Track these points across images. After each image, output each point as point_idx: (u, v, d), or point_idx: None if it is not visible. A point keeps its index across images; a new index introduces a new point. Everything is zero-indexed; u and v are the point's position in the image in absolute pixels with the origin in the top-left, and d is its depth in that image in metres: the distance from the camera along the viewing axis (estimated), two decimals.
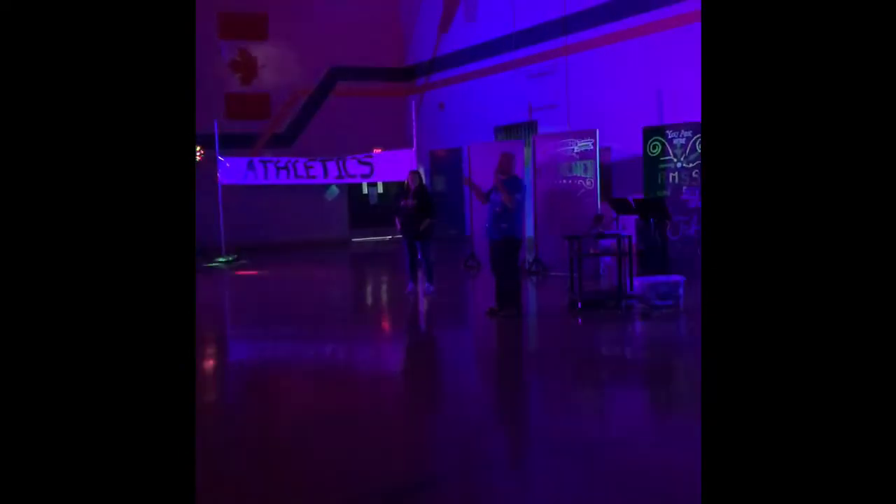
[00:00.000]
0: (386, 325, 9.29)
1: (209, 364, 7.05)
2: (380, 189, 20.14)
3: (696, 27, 11.78)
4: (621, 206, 9.60)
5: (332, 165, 15.26)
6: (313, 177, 15.53)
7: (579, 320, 8.28)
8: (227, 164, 15.59)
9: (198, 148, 15.53)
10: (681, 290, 8.42)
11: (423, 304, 9.85)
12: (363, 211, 20.24)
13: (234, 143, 17.46)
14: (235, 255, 15.78)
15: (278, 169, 15.56)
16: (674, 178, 10.89)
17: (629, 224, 10.96)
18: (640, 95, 13.03)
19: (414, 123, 14.60)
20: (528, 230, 11.91)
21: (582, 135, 11.53)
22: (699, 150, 10.56)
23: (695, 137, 10.63)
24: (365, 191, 20.14)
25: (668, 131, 11.03)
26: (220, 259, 15.35)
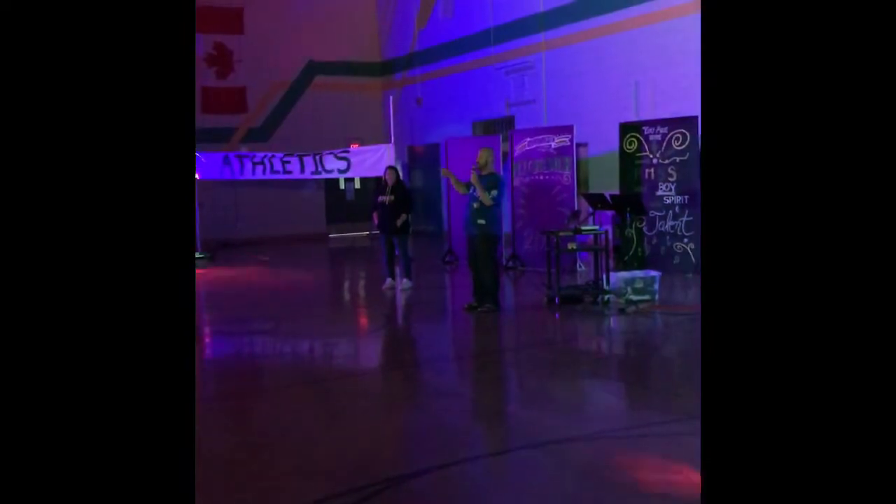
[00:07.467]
0: (363, 320, 9.26)
1: None
2: (357, 184, 20.05)
3: (674, 23, 11.85)
4: (597, 202, 9.64)
5: (308, 160, 15.17)
6: (290, 172, 15.44)
7: (557, 315, 8.32)
8: (203, 160, 15.42)
9: None
10: (657, 286, 8.48)
11: (401, 300, 9.83)
12: (340, 206, 20.15)
13: (210, 138, 17.29)
14: (209, 253, 15.40)
15: (254, 164, 15.45)
16: (650, 173, 10.96)
17: (605, 220, 11.01)
18: (616, 92, 13.09)
19: (391, 118, 14.56)
20: (506, 226, 11.94)
21: (559, 130, 11.57)
22: (675, 146, 10.64)
23: (670, 134, 10.71)
24: (342, 186, 20.05)
25: (644, 127, 11.09)
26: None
